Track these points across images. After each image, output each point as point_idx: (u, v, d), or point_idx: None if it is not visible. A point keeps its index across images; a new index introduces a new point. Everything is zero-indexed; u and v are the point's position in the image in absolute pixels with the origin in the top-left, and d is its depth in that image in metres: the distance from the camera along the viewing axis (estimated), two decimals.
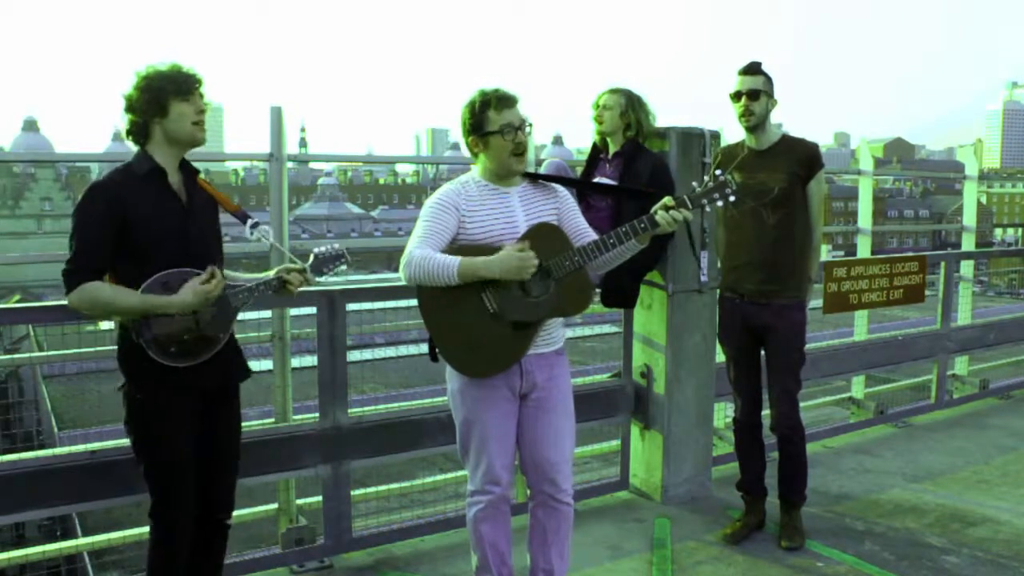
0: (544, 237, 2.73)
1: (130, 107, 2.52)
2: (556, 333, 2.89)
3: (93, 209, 2.46)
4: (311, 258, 2.71)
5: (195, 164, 2.69)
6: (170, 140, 2.55)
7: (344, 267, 2.77)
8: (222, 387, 2.71)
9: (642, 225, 2.70)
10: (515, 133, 2.72)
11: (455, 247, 2.73)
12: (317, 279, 2.73)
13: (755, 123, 3.69)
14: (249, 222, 2.73)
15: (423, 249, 2.67)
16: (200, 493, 2.69)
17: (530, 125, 2.78)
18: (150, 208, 2.50)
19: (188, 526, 2.66)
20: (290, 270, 2.68)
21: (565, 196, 2.94)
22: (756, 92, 3.66)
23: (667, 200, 2.69)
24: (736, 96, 3.68)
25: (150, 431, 2.59)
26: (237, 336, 3.97)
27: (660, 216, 2.68)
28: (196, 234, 2.59)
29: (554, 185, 2.94)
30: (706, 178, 2.74)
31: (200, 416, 2.65)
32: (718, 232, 4.04)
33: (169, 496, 2.62)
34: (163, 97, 2.49)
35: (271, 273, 2.71)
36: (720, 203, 2.72)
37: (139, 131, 2.54)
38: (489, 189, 2.81)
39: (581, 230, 2.89)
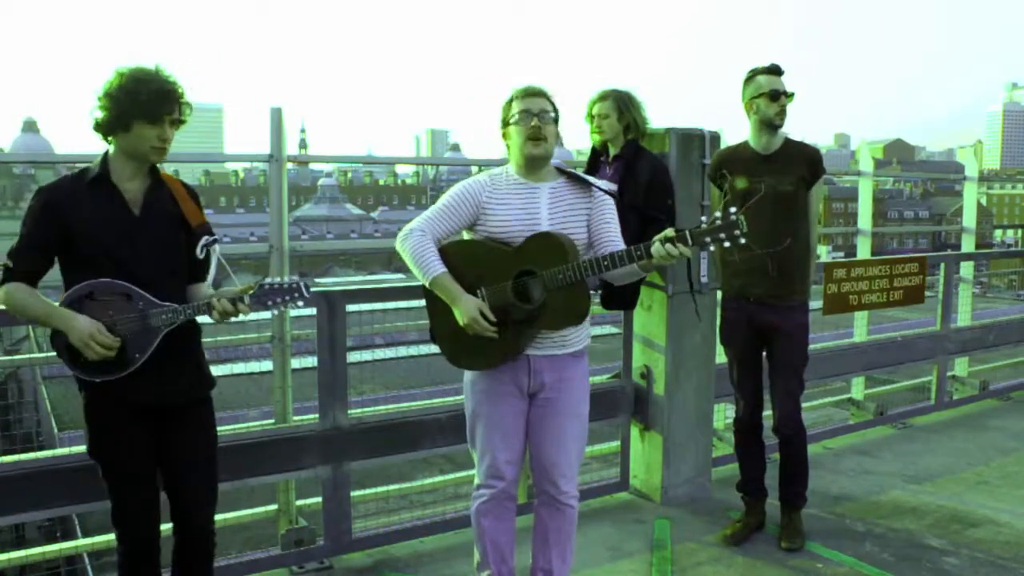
0: (544, 246, 2.68)
1: (97, 106, 2.45)
2: (571, 336, 2.82)
3: (32, 211, 2.45)
4: (256, 287, 2.51)
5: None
6: (127, 153, 2.49)
7: (301, 303, 2.53)
8: (168, 403, 2.57)
9: (638, 253, 2.56)
10: (532, 119, 2.72)
11: (480, 238, 2.77)
12: (263, 310, 2.52)
13: (784, 123, 3.69)
14: (204, 240, 2.57)
15: (425, 236, 2.73)
16: (174, 504, 2.65)
17: (555, 114, 2.76)
18: (92, 216, 2.42)
19: (146, 536, 2.57)
20: (221, 297, 2.50)
21: (602, 200, 2.82)
22: (790, 93, 3.67)
23: (668, 232, 2.51)
24: (775, 95, 3.64)
25: (97, 438, 2.54)
26: (237, 336, 3.98)
27: (656, 249, 2.51)
28: (145, 248, 2.48)
29: (596, 188, 2.83)
30: (717, 214, 2.45)
31: (155, 430, 2.57)
32: None
33: (119, 504, 2.56)
34: (126, 119, 2.41)
35: (210, 292, 2.58)
36: (727, 244, 2.43)
37: (104, 131, 2.48)
38: (519, 183, 2.80)
39: (606, 238, 2.78)
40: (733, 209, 2.44)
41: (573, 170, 2.89)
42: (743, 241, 2.42)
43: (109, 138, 2.48)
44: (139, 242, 2.48)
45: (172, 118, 2.47)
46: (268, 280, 2.52)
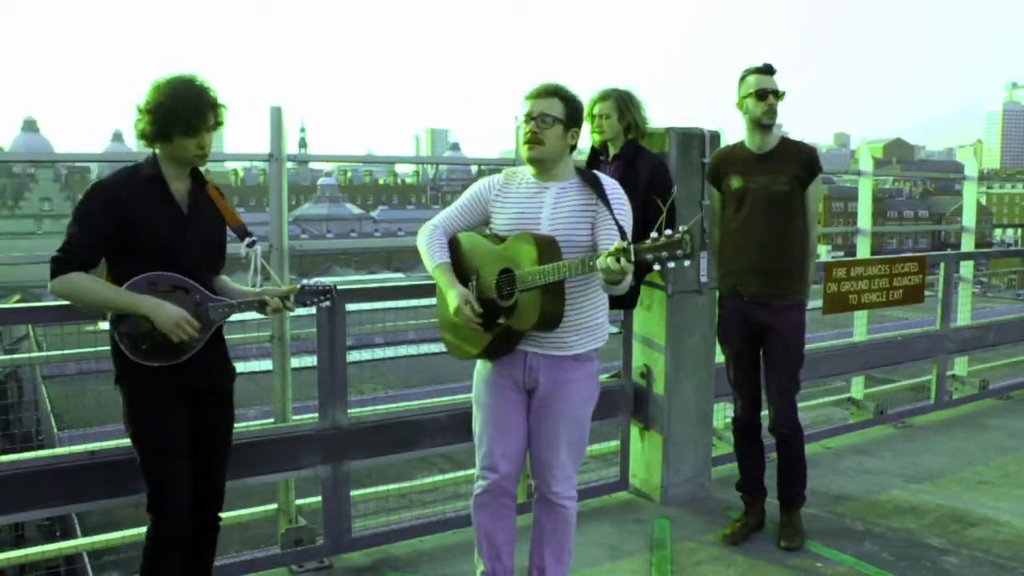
0: (522, 246, 2.67)
1: (139, 119, 2.59)
2: (572, 339, 2.78)
3: (93, 207, 2.54)
4: (297, 288, 2.80)
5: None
6: (173, 159, 2.64)
7: (328, 304, 2.86)
8: (209, 389, 2.75)
9: (591, 264, 2.49)
10: (530, 123, 2.74)
11: (492, 234, 2.85)
12: (297, 308, 2.82)
13: (774, 122, 3.70)
14: (247, 240, 2.80)
15: (437, 230, 2.90)
16: (198, 487, 2.74)
17: (562, 114, 2.73)
18: (148, 213, 2.57)
19: (184, 520, 2.69)
20: (273, 294, 2.74)
21: (605, 207, 2.71)
22: (780, 92, 3.67)
23: (618, 244, 2.41)
24: (763, 94, 3.64)
25: (144, 423, 2.63)
26: (237, 336, 3.98)
27: (599, 262, 2.44)
28: (192, 244, 2.65)
29: (608, 191, 2.73)
30: (667, 231, 2.32)
31: (192, 415, 2.70)
32: (714, 234, 4.03)
33: (165, 488, 2.65)
34: (168, 132, 2.56)
35: (256, 288, 2.80)
36: (671, 264, 2.31)
37: (148, 141, 2.62)
38: (530, 183, 2.82)
39: (605, 243, 2.68)
40: (683, 227, 2.31)
41: (592, 172, 2.83)
42: (687, 263, 2.33)
43: (154, 145, 2.63)
44: (188, 238, 2.64)
45: (208, 126, 2.61)
46: (305, 281, 2.80)
